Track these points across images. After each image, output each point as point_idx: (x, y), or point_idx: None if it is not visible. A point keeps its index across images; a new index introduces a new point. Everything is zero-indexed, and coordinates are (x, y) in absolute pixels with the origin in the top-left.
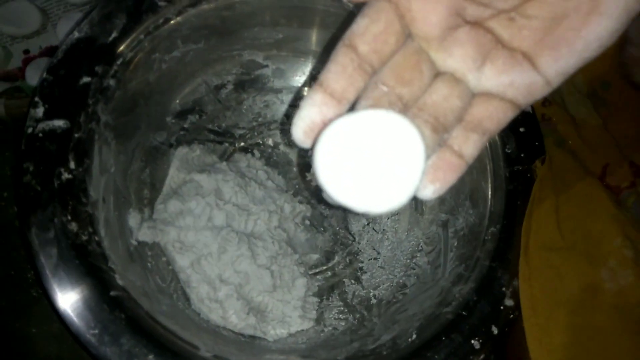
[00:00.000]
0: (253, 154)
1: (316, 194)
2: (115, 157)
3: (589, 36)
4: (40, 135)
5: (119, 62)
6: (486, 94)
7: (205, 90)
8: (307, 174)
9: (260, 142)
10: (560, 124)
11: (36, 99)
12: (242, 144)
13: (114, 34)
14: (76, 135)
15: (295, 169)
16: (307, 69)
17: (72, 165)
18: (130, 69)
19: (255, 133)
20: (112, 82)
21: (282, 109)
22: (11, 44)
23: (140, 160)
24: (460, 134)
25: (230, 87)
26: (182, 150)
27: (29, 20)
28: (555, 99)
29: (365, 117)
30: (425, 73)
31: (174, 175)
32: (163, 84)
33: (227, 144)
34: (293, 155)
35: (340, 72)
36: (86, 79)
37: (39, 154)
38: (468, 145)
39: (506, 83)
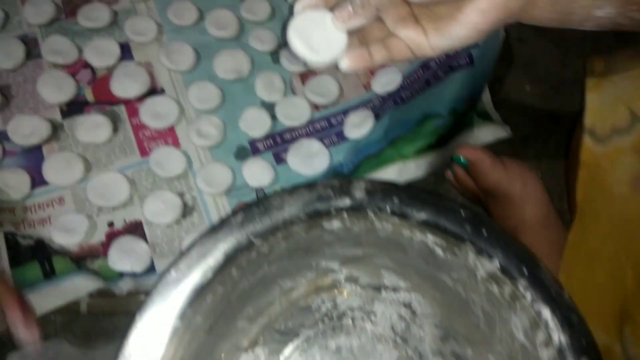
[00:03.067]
0: (314, 358)
1: None
2: None
3: (454, 34)
4: None
5: (208, 298)
6: (397, 37)
7: (278, 293)
8: None
9: (324, 344)
10: None
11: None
12: (305, 344)
13: (209, 275)
14: None
15: None
16: (382, 280)
17: None
18: (217, 300)
19: (320, 334)
20: (199, 318)
21: (348, 310)
22: (97, 214)
23: None
24: (379, 47)
25: (302, 289)
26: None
27: (118, 191)
28: None
29: (324, 15)
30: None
31: None
32: (242, 298)
33: (290, 345)
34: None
35: None
36: (177, 324)
37: None
38: (378, 54)
39: (408, 37)
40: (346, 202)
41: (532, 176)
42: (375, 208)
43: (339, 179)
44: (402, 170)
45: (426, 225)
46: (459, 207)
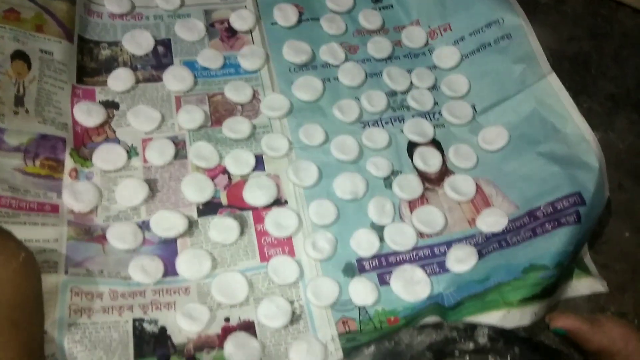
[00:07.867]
0: None
1: None
2: None
3: None
4: None
5: None
6: None
7: None
8: None
9: None
10: None
11: None
12: None
13: None
14: None
15: None
16: None
17: None
18: None
19: None
20: None
21: None
22: (217, 309)
23: None
24: None
25: None
26: None
27: (238, 291)
28: None
29: None
30: None
31: None
32: None
33: None
34: None
35: None
36: None
37: None
38: None
39: None
40: (470, 345)
41: (634, 335)
42: (496, 355)
43: (464, 323)
44: (507, 317)
45: None
46: None
